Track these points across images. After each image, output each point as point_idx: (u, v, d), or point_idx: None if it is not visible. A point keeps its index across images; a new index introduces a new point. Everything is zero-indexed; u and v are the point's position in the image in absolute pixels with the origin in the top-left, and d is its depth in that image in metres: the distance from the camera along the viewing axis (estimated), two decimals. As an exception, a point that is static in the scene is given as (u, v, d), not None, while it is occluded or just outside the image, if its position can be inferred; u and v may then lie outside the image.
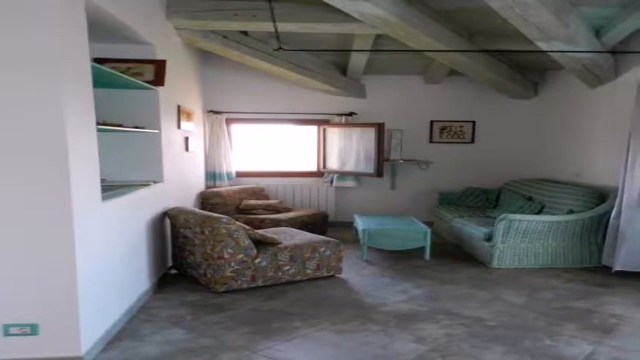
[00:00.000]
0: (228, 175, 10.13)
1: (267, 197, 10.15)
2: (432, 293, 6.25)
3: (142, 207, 5.87)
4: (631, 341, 4.81)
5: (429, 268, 7.41)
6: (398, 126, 10.47)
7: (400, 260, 7.77)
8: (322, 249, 6.70)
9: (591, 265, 7.48)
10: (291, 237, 6.92)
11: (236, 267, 6.01)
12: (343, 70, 9.97)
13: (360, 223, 8.29)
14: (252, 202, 9.40)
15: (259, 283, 6.25)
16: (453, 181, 10.76)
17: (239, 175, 10.46)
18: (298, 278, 6.55)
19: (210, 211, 8.30)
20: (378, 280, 6.80)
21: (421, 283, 6.63)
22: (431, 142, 10.74)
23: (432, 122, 10.67)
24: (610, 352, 4.55)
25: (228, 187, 9.76)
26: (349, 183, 10.49)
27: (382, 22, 6.53)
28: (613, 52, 7.45)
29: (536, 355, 4.49)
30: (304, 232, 7.34)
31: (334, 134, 10.30)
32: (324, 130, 10.41)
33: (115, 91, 5.92)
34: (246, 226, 6.33)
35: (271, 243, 6.40)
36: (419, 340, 4.78)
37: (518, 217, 7.34)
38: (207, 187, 9.98)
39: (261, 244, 6.34)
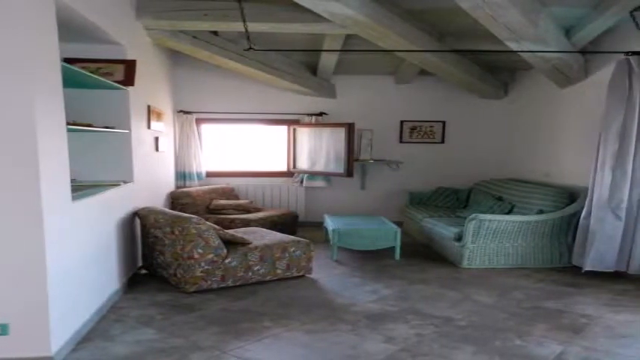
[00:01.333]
0: (199, 175, 10.11)
1: (237, 197, 10.15)
2: (402, 293, 6.29)
3: (112, 207, 5.85)
4: (601, 341, 4.86)
5: (399, 268, 7.45)
6: (368, 126, 10.53)
7: (370, 260, 7.81)
8: (292, 249, 6.72)
9: (561, 265, 7.54)
10: (261, 237, 6.93)
11: (206, 267, 6.02)
12: (313, 70, 10.01)
13: (330, 223, 8.33)
14: (223, 202, 9.39)
15: (229, 283, 6.26)
16: (423, 181, 10.83)
17: (209, 175, 10.44)
18: (268, 278, 6.57)
19: (180, 211, 8.28)
20: (348, 280, 6.84)
21: (391, 283, 6.67)
22: (401, 142, 10.82)
23: (402, 122, 10.74)
24: (580, 352, 4.59)
25: (199, 187, 9.75)
26: (319, 183, 10.52)
27: (352, 22, 6.58)
28: (583, 52, 7.55)
29: (507, 355, 4.54)
30: (274, 232, 7.35)
31: (304, 134, 10.33)
32: (294, 130, 10.44)
33: (85, 91, 5.89)
34: (216, 226, 6.34)
35: (241, 243, 6.41)
36: (389, 340, 4.81)
37: (488, 217, 7.40)
38: (178, 187, 9.95)
39: (231, 244, 6.34)
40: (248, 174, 10.67)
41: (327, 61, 9.35)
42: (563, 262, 7.55)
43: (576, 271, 7.17)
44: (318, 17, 6.59)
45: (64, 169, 4.38)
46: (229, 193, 10.06)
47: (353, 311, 5.60)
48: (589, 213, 6.94)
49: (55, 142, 4.18)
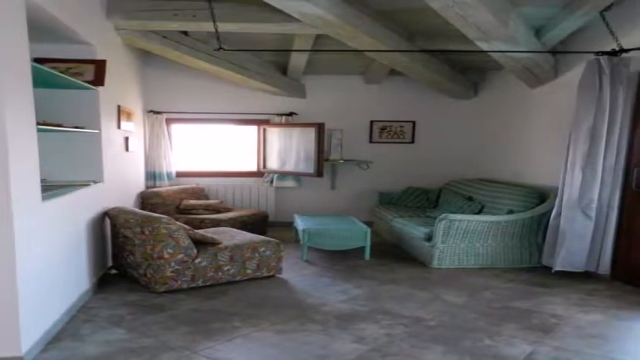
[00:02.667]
0: (169, 175, 10.09)
1: (207, 197, 10.15)
2: (372, 293, 6.34)
3: (82, 207, 5.84)
4: (570, 341, 4.93)
5: (369, 268, 7.50)
6: (338, 126, 10.57)
7: (340, 260, 7.85)
8: (262, 249, 6.75)
9: (531, 265, 7.61)
10: (232, 237, 6.95)
11: (176, 267, 6.03)
12: (283, 70, 10.03)
13: (300, 223, 8.34)
14: (193, 202, 9.39)
15: (199, 283, 6.27)
16: (393, 181, 10.88)
17: (179, 175, 10.42)
18: (238, 278, 6.59)
19: (150, 211, 8.24)
20: (318, 280, 6.88)
21: (361, 283, 6.71)
22: (371, 142, 10.89)
23: (372, 122, 10.81)
24: (550, 352, 4.65)
25: (169, 187, 9.73)
26: (289, 183, 10.54)
27: (322, 22, 6.61)
28: (553, 52, 7.66)
29: (477, 355, 4.58)
30: (244, 232, 7.37)
31: (274, 134, 10.35)
32: (264, 130, 10.45)
33: (55, 91, 5.87)
34: (187, 226, 6.36)
35: (211, 243, 6.43)
36: (359, 340, 4.84)
37: (458, 217, 7.47)
38: (148, 187, 9.91)
39: (201, 244, 6.36)
40: (218, 174, 10.66)
41: (297, 61, 9.37)
42: (533, 262, 7.63)
43: (546, 271, 7.24)
44: (288, 17, 6.61)
45: (34, 169, 4.36)
46: (199, 193, 10.05)
47: (323, 311, 5.63)
48: (559, 213, 7.02)
49: (25, 142, 4.17)
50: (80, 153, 6.21)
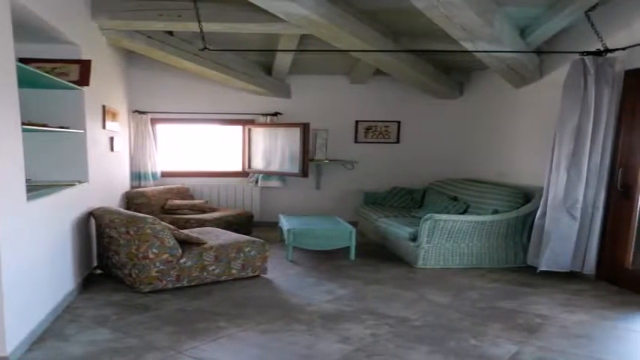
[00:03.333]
0: (154, 175, 10.07)
1: (192, 197, 10.14)
2: (358, 293, 6.36)
3: (67, 207, 5.83)
4: (555, 341, 4.95)
5: (354, 268, 7.52)
6: (323, 126, 10.59)
7: (325, 260, 7.87)
8: (247, 249, 6.76)
9: (516, 265, 7.65)
10: (216, 237, 6.95)
11: (161, 267, 6.03)
12: (268, 70, 10.03)
13: (285, 223, 8.35)
14: (178, 202, 9.39)
15: (184, 283, 6.28)
16: (378, 181, 10.90)
17: (164, 175, 10.41)
18: (223, 278, 6.60)
19: (135, 211, 8.21)
20: (303, 280, 6.90)
21: (346, 283, 6.73)
22: (356, 142, 10.92)
23: (357, 122, 10.84)
24: (535, 352, 4.67)
25: (154, 187, 9.73)
26: (274, 183, 10.55)
27: (307, 22, 6.63)
28: (538, 52, 7.69)
29: (462, 355, 4.60)
30: (229, 232, 7.38)
31: (259, 134, 10.36)
32: (249, 130, 10.46)
33: (41, 91, 5.86)
34: (172, 226, 6.38)
35: (196, 243, 6.43)
36: (344, 340, 4.86)
37: (443, 217, 7.48)
38: (133, 187, 9.89)
39: (186, 244, 6.36)
40: (203, 174, 10.65)
41: (282, 61, 9.38)
42: (518, 262, 7.67)
43: (531, 271, 7.27)
44: (273, 17, 6.62)
45: (19, 169, 4.36)
46: (184, 193, 10.05)
47: (308, 311, 5.65)
48: (544, 213, 7.05)
49: (10, 142, 4.17)
50: (65, 153, 6.20)
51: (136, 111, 9.84)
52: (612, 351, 4.79)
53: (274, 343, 4.77)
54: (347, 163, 10.80)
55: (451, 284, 6.80)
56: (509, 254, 7.69)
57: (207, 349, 4.59)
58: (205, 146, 10.81)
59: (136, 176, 9.94)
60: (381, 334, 5.02)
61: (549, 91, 7.66)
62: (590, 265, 6.91)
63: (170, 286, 6.18)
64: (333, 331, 5.09)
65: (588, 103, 6.57)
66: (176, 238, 6.21)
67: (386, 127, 10.89)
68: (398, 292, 6.44)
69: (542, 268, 6.97)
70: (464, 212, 8.26)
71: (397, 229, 8.18)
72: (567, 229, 6.83)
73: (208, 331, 4.99)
